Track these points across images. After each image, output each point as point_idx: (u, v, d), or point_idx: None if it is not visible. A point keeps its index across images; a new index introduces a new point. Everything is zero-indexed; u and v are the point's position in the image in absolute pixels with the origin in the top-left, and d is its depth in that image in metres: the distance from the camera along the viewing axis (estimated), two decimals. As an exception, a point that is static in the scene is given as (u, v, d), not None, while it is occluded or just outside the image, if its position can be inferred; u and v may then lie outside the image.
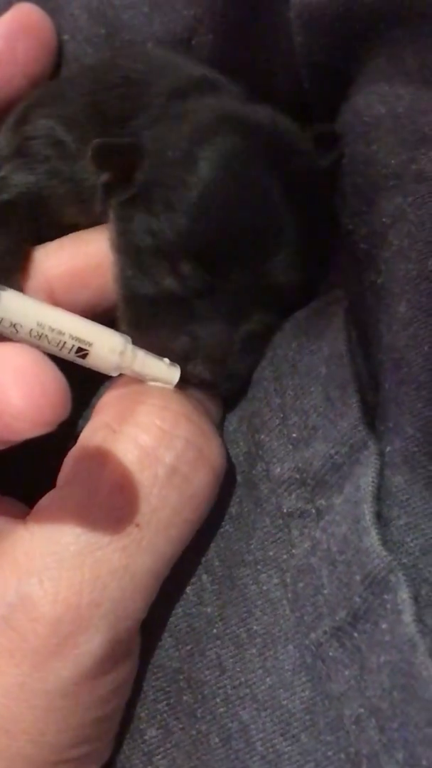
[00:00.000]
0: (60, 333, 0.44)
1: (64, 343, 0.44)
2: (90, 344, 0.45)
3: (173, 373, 0.48)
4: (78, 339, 0.44)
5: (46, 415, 0.38)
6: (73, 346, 0.44)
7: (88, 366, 0.46)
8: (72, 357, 0.45)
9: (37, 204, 0.55)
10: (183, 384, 0.49)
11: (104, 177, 0.52)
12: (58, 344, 0.44)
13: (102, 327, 0.46)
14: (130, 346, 0.47)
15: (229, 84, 0.55)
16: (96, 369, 0.46)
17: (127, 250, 0.51)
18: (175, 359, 0.49)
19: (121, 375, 0.48)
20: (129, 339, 0.47)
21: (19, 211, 0.54)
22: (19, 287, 0.51)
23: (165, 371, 0.48)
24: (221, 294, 0.49)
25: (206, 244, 0.48)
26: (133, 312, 0.51)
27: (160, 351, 0.49)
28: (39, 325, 0.44)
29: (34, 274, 0.52)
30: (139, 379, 0.48)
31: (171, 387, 0.48)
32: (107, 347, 0.46)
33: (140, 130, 0.52)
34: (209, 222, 0.48)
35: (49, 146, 0.55)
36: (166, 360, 0.48)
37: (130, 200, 0.51)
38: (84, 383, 0.49)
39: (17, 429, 0.38)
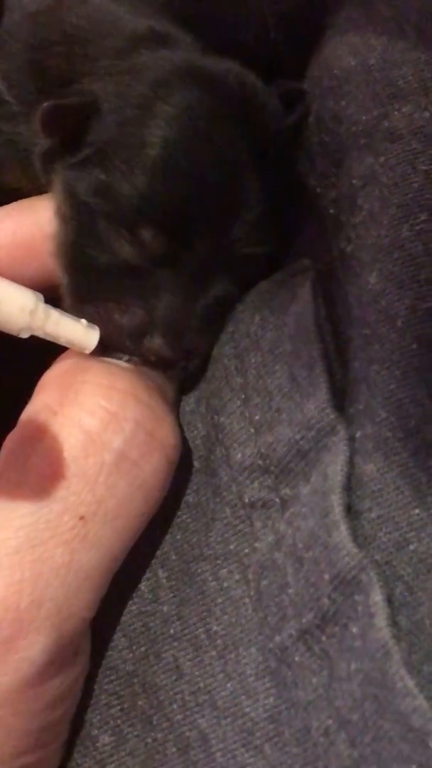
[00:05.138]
0: None
1: None
2: None
3: (91, 336, 0.44)
4: None
5: None
6: None
7: None
8: None
9: None
10: (138, 361, 0.46)
11: (43, 144, 0.48)
12: None
13: (10, 283, 0.42)
14: (42, 305, 0.42)
15: (181, 36, 0.51)
16: (4, 329, 0.41)
17: (76, 215, 0.47)
18: (129, 333, 0.46)
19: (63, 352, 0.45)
20: (41, 297, 0.42)
21: None
22: None
23: (82, 333, 0.44)
24: (182, 263, 0.46)
25: (168, 208, 0.45)
26: (79, 283, 0.48)
27: (110, 325, 0.46)
28: None
29: None
30: (83, 354, 0.45)
31: (88, 350, 0.44)
32: (16, 305, 0.41)
33: (87, 91, 0.48)
34: (171, 183, 0.45)
35: None
36: (83, 321, 0.44)
37: (80, 163, 0.47)
38: (36, 358, 0.45)
39: None
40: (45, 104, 0.46)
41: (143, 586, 0.45)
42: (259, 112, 0.48)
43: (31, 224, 0.49)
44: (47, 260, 0.49)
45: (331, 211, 0.46)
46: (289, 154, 0.49)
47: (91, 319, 0.45)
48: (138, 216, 0.45)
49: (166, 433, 0.44)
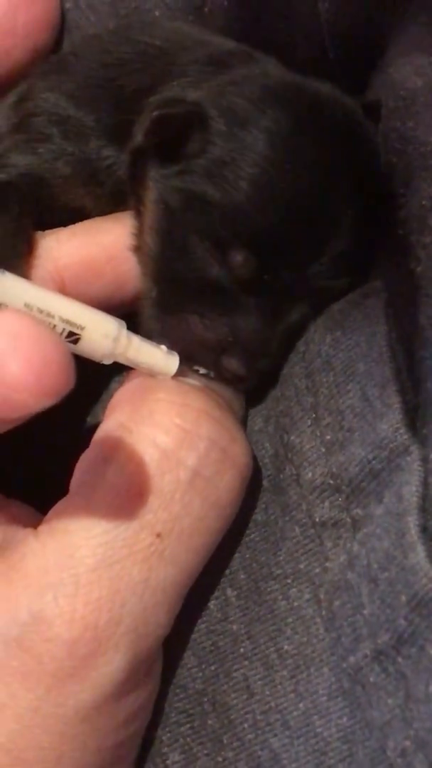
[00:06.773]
0: (49, 315, 0.40)
1: (54, 326, 0.41)
2: (82, 328, 0.41)
3: (171, 362, 0.45)
4: (68, 322, 0.41)
5: (47, 384, 0.34)
6: (64, 329, 0.41)
7: (79, 352, 0.42)
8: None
9: (38, 186, 0.51)
10: (210, 378, 0.47)
11: (138, 141, 0.48)
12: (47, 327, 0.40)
13: (95, 310, 0.42)
14: (125, 332, 0.43)
15: (264, 55, 0.51)
16: (87, 356, 0.42)
17: (167, 227, 0.47)
18: (209, 350, 0.46)
19: (132, 369, 0.45)
20: (124, 324, 0.43)
21: (18, 193, 0.50)
22: (22, 273, 0.47)
23: (162, 359, 0.45)
24: (267, 289, 0.46)
25: (263, 233, 0.45)
26: (166, 294, 0.48)
27: (192, 339, 0.46)
28: (26, 306, 0.40)
29: (44, 262, 0.48)
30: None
31: (168, 376, 0.45)
32: (100, 332, 0.42)
33: (193, 101, 0.48)
34: (269, 207, 0.45)
35: (53, 124, 0.52)
36: (164, 347, 0.45)
37: (175, 174, 0.47)
38: (94, 377, 0.45)
39: (16, 402, 0.34)
40: (154, 114, 0.46)
41: (212, 604, 0.45)
42: (362, 140, 0.47)
43: (95, 245, 0.49)
44: (111, 281, 0.49)
45: (400, 231, 0.45)
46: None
47: (173, 329, 0.46)
48: (232, 237, 0.45)
49: (239, 451, 0.44)
